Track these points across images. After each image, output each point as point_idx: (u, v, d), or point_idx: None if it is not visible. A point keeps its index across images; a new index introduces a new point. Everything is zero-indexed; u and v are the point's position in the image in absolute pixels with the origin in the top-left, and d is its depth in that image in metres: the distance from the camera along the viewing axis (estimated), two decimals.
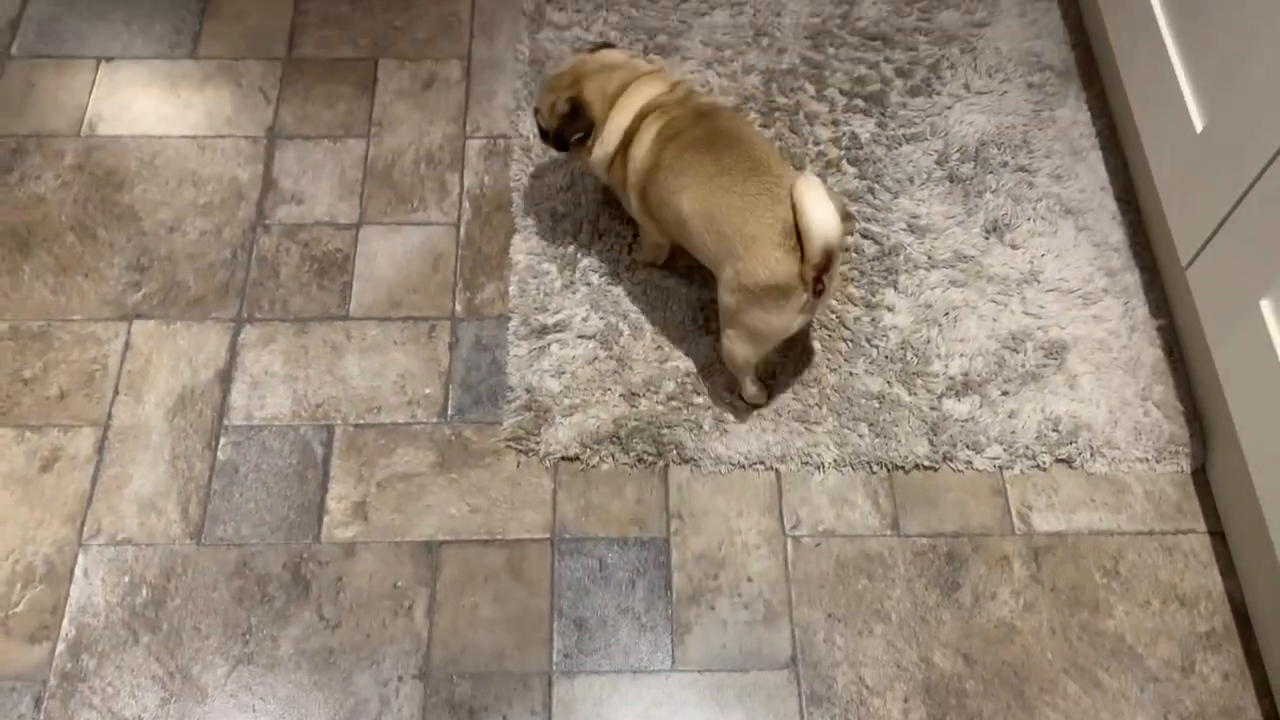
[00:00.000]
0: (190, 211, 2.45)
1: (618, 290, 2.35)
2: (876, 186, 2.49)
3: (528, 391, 2.22)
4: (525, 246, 2.40)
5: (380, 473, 2.16)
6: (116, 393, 2.23)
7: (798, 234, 1.84)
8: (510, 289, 2.36)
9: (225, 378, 2.25)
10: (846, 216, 2.41)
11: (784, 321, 1.95)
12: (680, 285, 2.34)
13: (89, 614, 2.00)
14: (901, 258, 2.40)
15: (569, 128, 2.15)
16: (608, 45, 2.27)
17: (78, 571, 2.05)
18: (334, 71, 2.66)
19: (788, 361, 2.26)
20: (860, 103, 2.62)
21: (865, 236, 2.43)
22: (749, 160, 1.96)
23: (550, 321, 2.31)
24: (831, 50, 2.70)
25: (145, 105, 2.60)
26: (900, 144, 2.56)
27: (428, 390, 2.25)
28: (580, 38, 2.71)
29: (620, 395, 2.22)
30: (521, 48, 2.70)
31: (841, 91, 2.64)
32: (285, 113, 2.60)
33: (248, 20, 2.74)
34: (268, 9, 2.76)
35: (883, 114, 2.60)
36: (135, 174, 2.50)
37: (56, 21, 2.73)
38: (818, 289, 1.88)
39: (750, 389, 2.16)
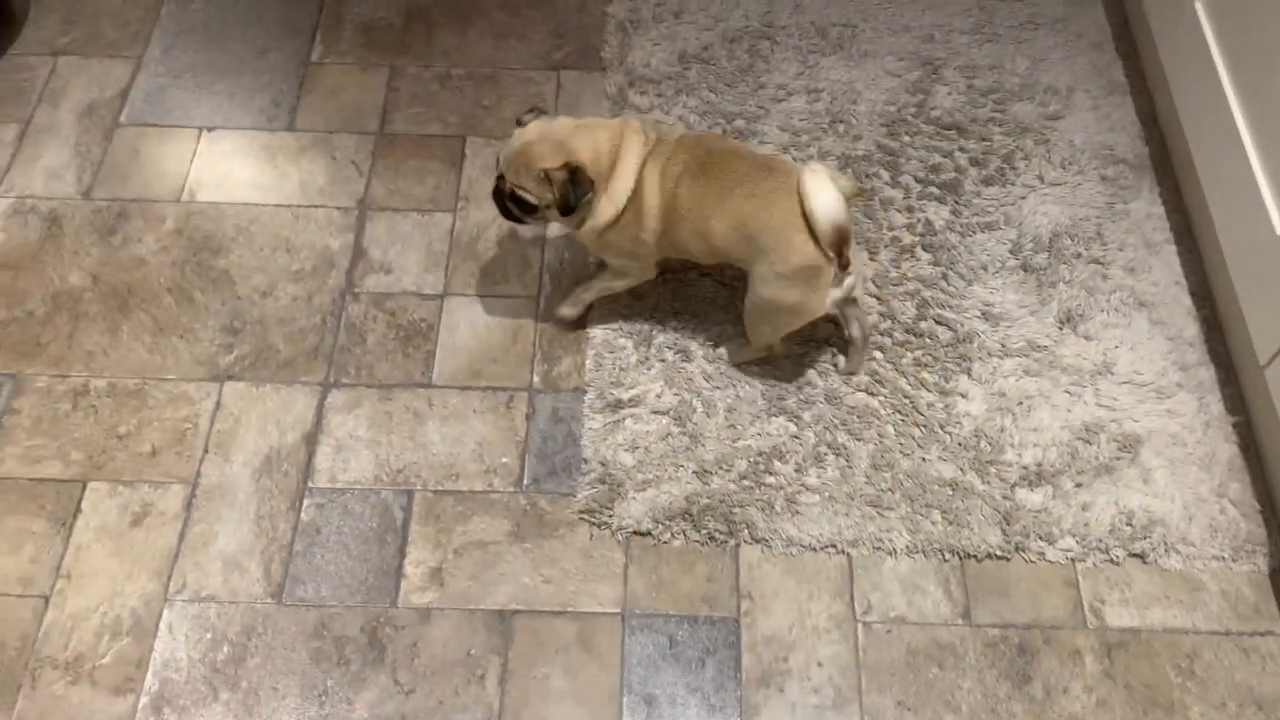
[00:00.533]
0: (283, 277, 2.55)
1: (691, 368, 2.40)
2: (950, 273, 2.53)
3: (602, 465, 2.27)
4: (602, 322, 2.46)
5: (457, 539, 2.20)
6: (206, 451, 2.31)
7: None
8: (587, 363, 2.41)
9: (311, 440, 2.32)
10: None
11: (819, 298, 2.12)
12: (753, 366, 2.38)
13: (172, 669, 2.06)
14: (975, 345, 2.42)
15: (573, 193, 2.10)
16: (539, 110, 2.20)
17: (162, 626, 2.11)
18: (424, 147, 2.77)
19: (862, 444, 2.28)
20: (935, 190, 2.67)
21: (939, 323, 2.46)
22: (757, 165, 2.12)
23: (625, 396, 2.36)
24: (907, 138, 2.76)
25: (244, 174, 2.72)
26: (974, 232, 2.60)
27: (504, 459, 2.30)
28: (659, 120, 2.79)
29: (693, 472, 2.25)
30: None
31: (916, 179, 2.69)
32: (376, 185, 2.70)
33: (342, 96, 2.86)
34: (362, 86, 2.88)
35: (957, 202, 2.65)
36: (232, 240, 2.60)
37: (163, 92, 2.87)
38: (843, 263, 2.06)
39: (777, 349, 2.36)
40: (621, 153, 2.16)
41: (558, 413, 2.37)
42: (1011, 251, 2.57)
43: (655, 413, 2.33)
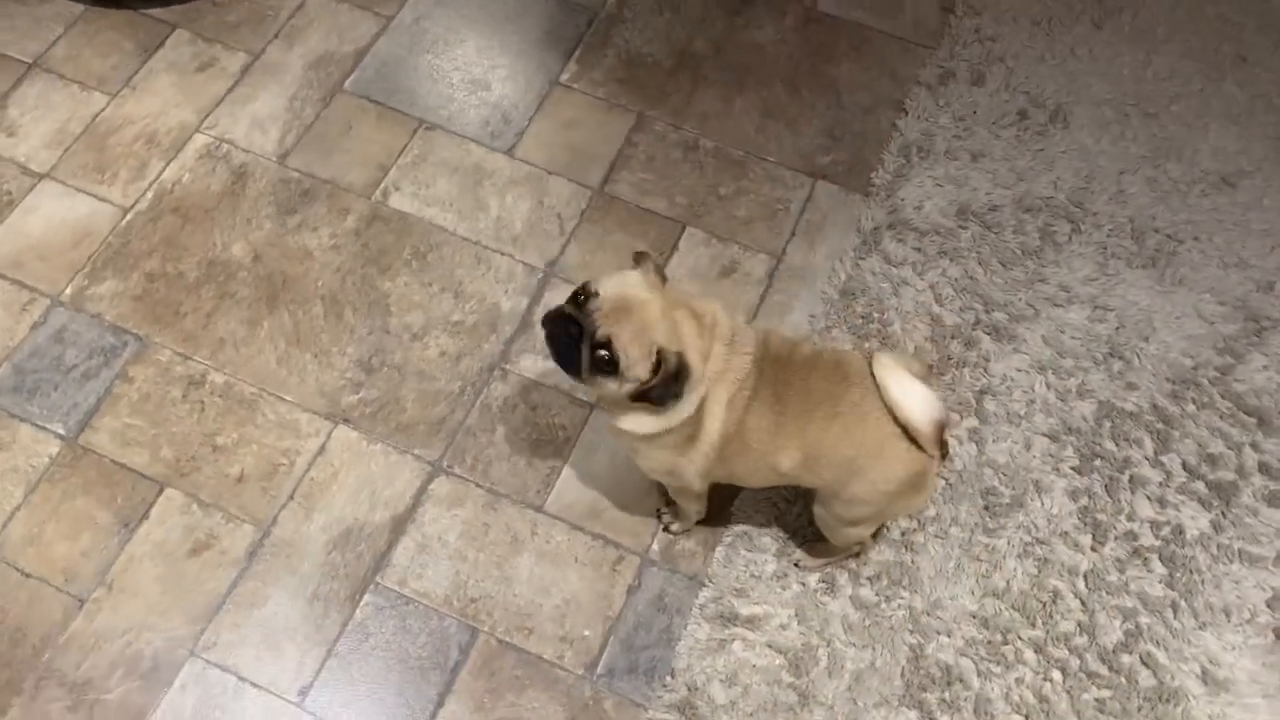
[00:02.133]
0: (440, 325, 2.30)
1: (833, 606, 2.02)
2: (1183, 605, 2.03)
3: (688, 689, 1.94)
4: (752, 509, 2.11)
5: (502, 710, 1.93)
6: (291, 498, 2.10)
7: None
8: (716, 553, 2.07)
9: (398, 527, 2.08)
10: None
11: (925, 497, 1.93)
12: (906, 633, 1.99)
13: None
14: (1179, 710, 1.94)
15: (669, 390, 1.63)
16: (647, 256, 1.71)
17: (177, 682, 1.94)
18: (638, 221, 2.44)
19: None
20: (1202, 488, 2.15)
21: (1145, 663, 1.98)
22: (830, 374, 1.74)
23: (744, 612, 2.01)
24: (1192, 408, 2.23)
25: (445, 189, 2.47)
26: (1232, 560, 2.08)
27: (587, 633, 2.00)
28: (905, 280, 2.36)
29: None
30: (840, 270, 2.38)
31: (1185, 465, 2.17)
32: (572, 250, 2.40)
33: (576, 133, 2.55)
34: (600, 128, 2.56)
35: (1224, 513, 2.13)
36: (405, 263, 2.36)
37: (397, 66, 2.63)
38: (944, 452, 1.74)
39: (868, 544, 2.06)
40: (712, 358, 1.70)
41: (664, 599, 2.04)
42: (1270, 605, 2.04)
43: (771, 647, 1.98)
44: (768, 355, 1.73)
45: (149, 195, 2.42)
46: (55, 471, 2.10)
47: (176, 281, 2.32)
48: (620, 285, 1.65)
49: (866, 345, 2.27)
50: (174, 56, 2.61)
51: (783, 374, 1.72)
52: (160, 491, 2.10)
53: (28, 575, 2.01)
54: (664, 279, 1.70)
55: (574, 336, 1.63)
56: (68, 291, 2.30)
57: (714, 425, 1.73)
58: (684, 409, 1.69)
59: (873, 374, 1.70)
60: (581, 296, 1.64)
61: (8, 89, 2.55)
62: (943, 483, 2.14)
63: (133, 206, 2.41)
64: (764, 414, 1.73)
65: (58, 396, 2.18)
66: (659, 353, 1.60)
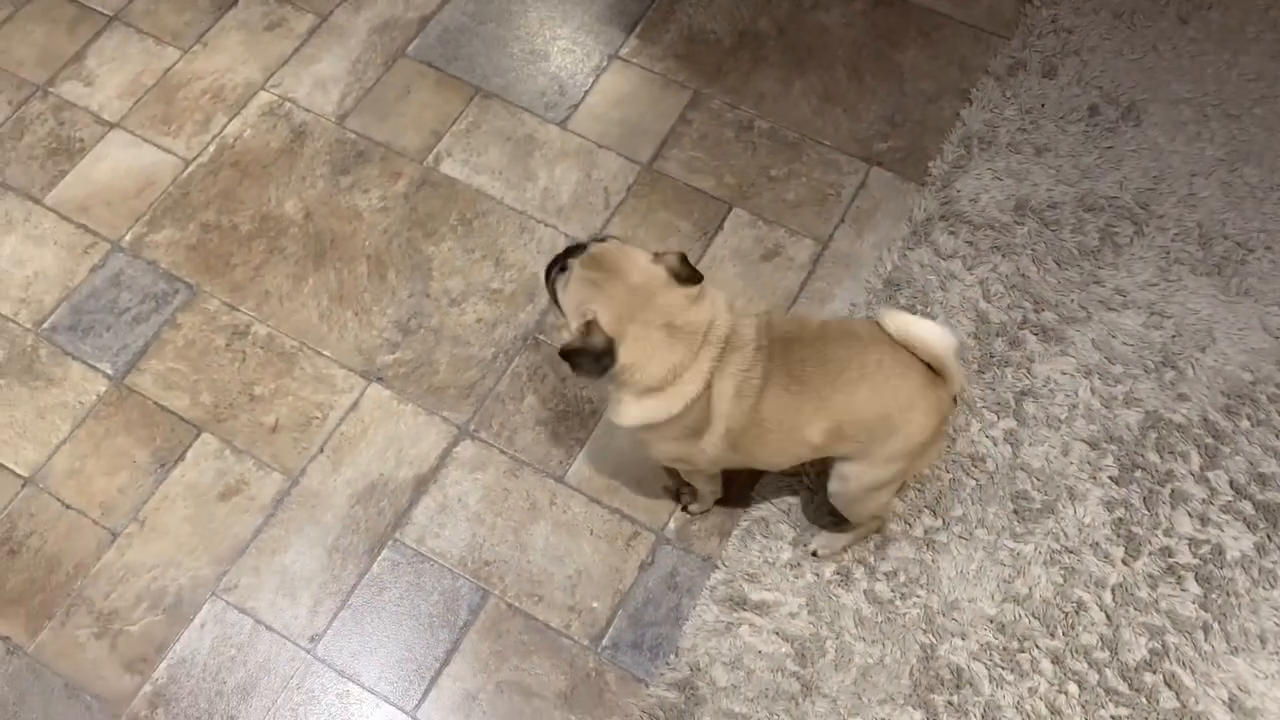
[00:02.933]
0: (479, 292, 2.31)
1: (846, 599, 1.98)
2: (1215, 628, 1.95)
3: (691, 669, 1.93)
4: (771, 495, 2.08)
5: (506, 672, 1.95)
6: (321, 451, 2.15)
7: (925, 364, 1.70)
8: (732, 536, 2.05)
9: (421, 486, 2.11)
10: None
11: (941, 446, 1.94)
12: (916, 629, 1.94)
13: (185, 669, 1.96)
14: None
15: (584, 360, 1.63)
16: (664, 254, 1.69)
17: (197, 620, 2.00)
18: (684, 200, 2.42)
19: None
20: (1249, 509, 2.05)
21: (1169, 685, 1.90)
22: (846, 341, 1.73)
23: (755, 597, 1.99)
24: (1246, 424, 2.13)
25: (495, 157, 2.48)
26: (1273, 586, 1.99)
27: (595, 604, 2.01)
28: (953, 274, 2.30)
29: None
30: (886, 259, 2.33)
31: (1232, 483, 2.08)
32: (615, 224, 2.39)
33: (630, 107, 2.54)
34: (655, 103, 2.54)
35: (1269, 536, 2.03)
36: (451, 228, 2.39)
37: (460, 35, 2.66)
38: (958, 398, 1.78)
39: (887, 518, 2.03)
40: (700, 347, 1.66)
41: (675, 577, 2.03)
42: None
43: (779, 634, 1.95)
44: (774, 338, 1.70)
45: (211, 149, 2.49)
46: (100, 409, 2.19)
47: (230, 234, 2.39)
48: (617, 251, 1.67)
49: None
50: (245, 15, 2.68)
51: (795, 352, 1.70)
52: (197, 435, 2.17)
53: (68, 506, 2.10)
54: (692, 279, 1.66)
55: (557, 263, 1.72)
56: (127, 238, 2.38)
57: (722, 416, 1.71)
58: (672, 399, 1.66)
59: (886, 331, 1.70)
60: (589, 242, 1.71)
61: (88, 40, 2.65)
62: (973, 483, 2.09)
63: (195, 159, 2.48)
64: (780, 395, 1.70)
65: (109, 338, 2.26)
66: (589, 324, 1.61)
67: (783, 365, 1.69)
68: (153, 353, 2.25)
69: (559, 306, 1.71)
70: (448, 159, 2.48)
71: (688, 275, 1.66)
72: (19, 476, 2.13)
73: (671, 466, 1.94)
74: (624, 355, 1.62)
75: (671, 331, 1.63)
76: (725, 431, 1.72)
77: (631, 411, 1.70)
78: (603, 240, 1.71)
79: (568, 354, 1.63)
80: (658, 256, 1.68)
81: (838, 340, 1.72)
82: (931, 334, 1.69)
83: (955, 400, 1.77)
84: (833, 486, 1.84)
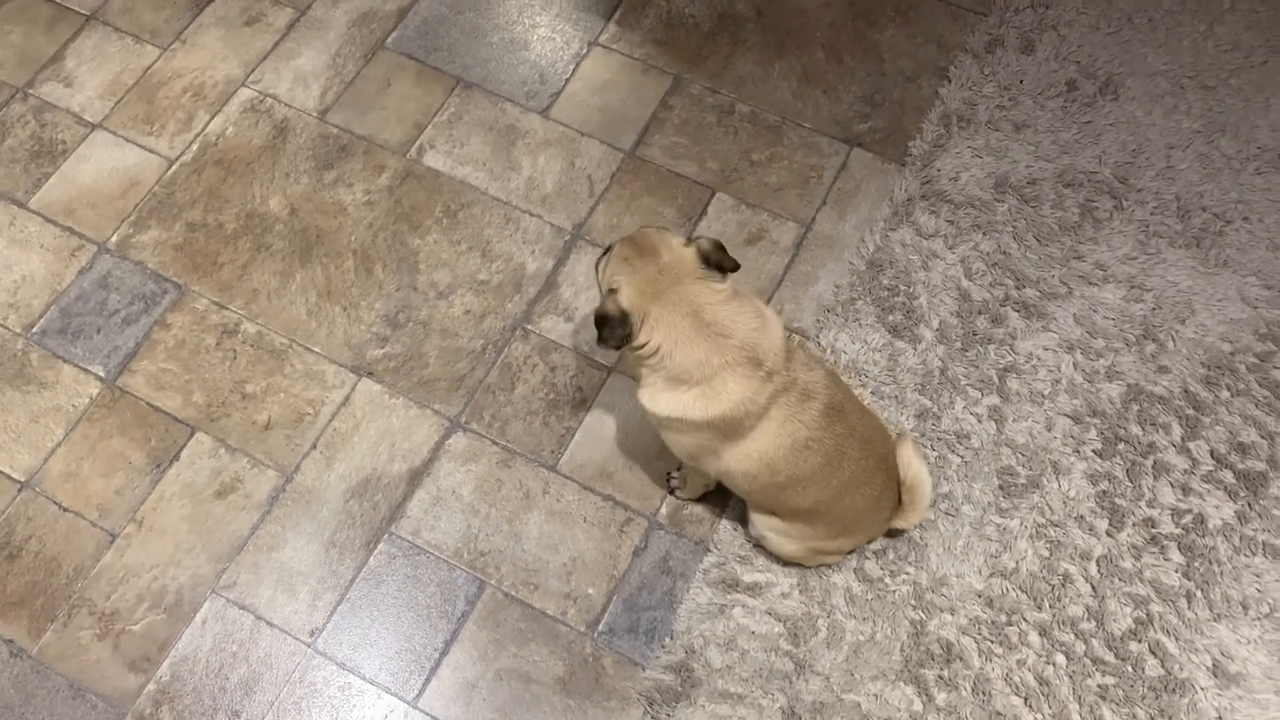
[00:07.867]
0: (466, 284, 2.33)
1: (836, 580, 2.02)
2: (1198, 595, 1.99)
3: (686, 651, 1.96)
4: None
5: (505, 660, 1.98)
6: (314, 447, 2.17)
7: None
8: (724, 520, 2.08)
9: (415, 480, 2.14)
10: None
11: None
12: (906, 606, 1.98)
13: (187, 666, 1.98)
14: (1185, 701, 1.91)
15: (602, 326, 1.69)
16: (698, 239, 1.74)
17: (198, 618, 2.03)
18: (667, 186, 2.43)
19: None
20: (1229, 477, 2.09)
21: (1154, 652, 1.95)
22: (865, 448, 1.81)
23: (747, 579, 2.02)
24: (1226, 394, 2.17)
25: (478, 148, 2.49)
26: (1255, 553, 2.03)
27: (591, 591, 2.04)
28: (935, 253, 2.32)
29: (780, 709, 1.91)
30: (869, 240, 2.35)
31: (1213, 453, 2.11)
32: (600, 213, 2.41)
33: (611, 94, 2.55)
34: (636, 90, 2.55)
35: (1251, 505, 2.07)
36: (436, 221, 2.40)
37: (439, 26, 2.66)
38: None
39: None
40: (759, 354, 1.68)
41: (668, 562, 2.07)
42: None
43: (771, 615, 1.99)
44: (825, 392, 1.75)
45: (194, 147, 2.49)
46: (94, 411, 2.20)
47: (216, 232, 2.40)
48: (655, 234, 1.74)
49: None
50: (223, 11, 2.67)
51: (831, 422, 1.74)
52: (191, 435, 2.18)
53: (65, 509, 2.12)
54: (722, 264, 1.69)
55: (607, 251, 1.81)
56: (114, 239, 2.39)
57: (764, 438, 1.72)
58: (711, 401, 1.68)
59: (897, 451, 1.89)
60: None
61: (67, 40, 2.64)
62: (958, 460, 2.12)
63: (178, 158, 2.48)
64: (812, 459, 1.75)
65: (99, 340, 2.27)
66: (611, 291, 1.68)
67: (831, 436, 1.75)
68: (144, 354, 2.26)
69: (600, 287, 1.79)
70: (430, 151, 2.49)
71: (718, 261, 1.69)
72: (15, 481, 2.15)
73: (680, 458, 1.96)
74: (645, 334, 1.67)
75: (699, 322, 1.66)
76: (746, 457, 1.75)
77: (661, 399, 1.73)
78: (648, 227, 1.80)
79: (598, 321, 1.69)
80: (690, 240, 1.72)
81: (861, 439, 1.80)
82: (925, 481, 1.89)
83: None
84: (755, 519, 1.96)
